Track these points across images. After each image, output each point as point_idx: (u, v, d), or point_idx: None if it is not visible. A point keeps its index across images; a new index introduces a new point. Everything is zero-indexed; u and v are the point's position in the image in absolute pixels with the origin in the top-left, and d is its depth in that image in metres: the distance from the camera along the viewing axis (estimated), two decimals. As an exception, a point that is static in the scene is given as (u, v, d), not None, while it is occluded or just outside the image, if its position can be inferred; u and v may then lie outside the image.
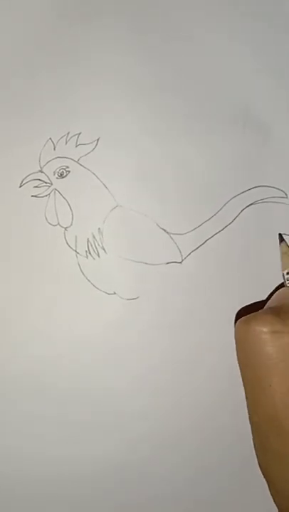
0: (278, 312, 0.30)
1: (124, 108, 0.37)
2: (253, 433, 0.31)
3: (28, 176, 0.36)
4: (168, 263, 0.36)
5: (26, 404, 0.35)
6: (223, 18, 0.38)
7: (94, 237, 0.36)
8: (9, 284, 0.36)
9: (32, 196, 0.36)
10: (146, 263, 0.36)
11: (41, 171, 0.36)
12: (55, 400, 0.35)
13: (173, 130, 0.37)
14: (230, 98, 0.37)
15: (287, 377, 0.28)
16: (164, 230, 0.36)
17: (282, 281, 0.35)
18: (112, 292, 0.35)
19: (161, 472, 0.35)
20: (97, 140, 0.36)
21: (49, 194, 0.36)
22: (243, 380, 0.30)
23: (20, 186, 0.36)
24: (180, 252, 0.36)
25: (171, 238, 0.36)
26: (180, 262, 0.36)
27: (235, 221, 0.36)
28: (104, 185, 0.36)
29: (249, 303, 0.36)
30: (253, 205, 0.36)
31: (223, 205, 0.36)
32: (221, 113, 0.37)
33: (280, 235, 0.35)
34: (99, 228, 0.36)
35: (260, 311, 0.31)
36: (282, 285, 0.35)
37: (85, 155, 0.36)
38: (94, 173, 0.36)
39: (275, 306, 0.32)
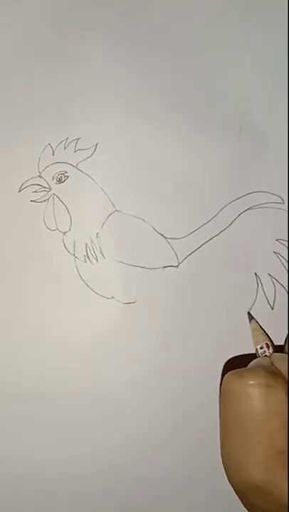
0: (269, 369, 0.30)
1: (123, 114, 0.37)
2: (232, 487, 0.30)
3: (27, 180, 0.36)
4: (165, 267, 0.36)
5: (25, 406, 0.36)
6: (221, 27, 0.38)
7: (92, 241, 0.36)
8: (8, 288, 0.36)
9: (31, 201, 0.36)
10: (143, 267, 0.36)
11: (40, 176, 0.36)
12: (53, 402, 0.35)
13: (171, 136, 0.37)
14: (227, 105, 0.38)
15: (277, 434, 0.28)
16: (161, 235, 0.36)
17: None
18: (110, 296, 0.36)
19: (161, 472, 0.35)
20: (96, 145, 0.37)
21: (48, 199, 0.36)
22: (224, 436, 0.30)
23: (20, 191, 0.36)
24: (176, 256, 0.36)
25: (168, 242, 0.36)
26: (176, 266, 0.36)
27: (231, 226, 0.36)
28: (103, 190, 0.36)
29: (247, 307, 0.36)
30: (249, 210, 0.36)
31: (220, 210, 0.36)
32: (218, 119, 0.37)
33: (248, 313, 0.36)
34: (97, 233, 0.36)
35: (250, 367, 0.31)
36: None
37: (84, 160, 0.37)
38: (92, 178, 0.37)
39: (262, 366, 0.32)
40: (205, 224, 0.36)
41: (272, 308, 0.36)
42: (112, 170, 0.37)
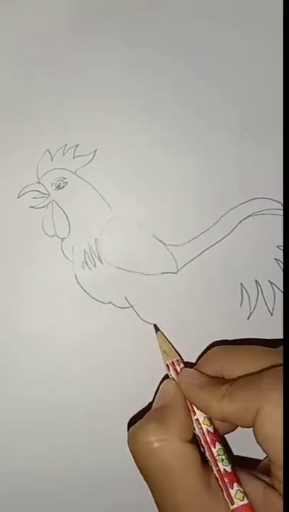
0: (161, 416, 0.30)
1: (122, 120, 0.37)
2: None
3: (26, 187, 0.36)
4: (163, 273, 0.36)
5: (24, 411, 0.36)
6: (222, 30, 0.38)
7: (90, 247, 0.36)
8: (6, 294, 0.36)
9: (30, 207, 0.36)
10: (141, 273, 0.36)
11: (39, 182, 0.36)
12: (51, 409, 0.36)
13: (170, 141, 0.37)
14: (228, 112, 0.37)
15: (188, 483, 0.28)
16: (161, 241, 0.36)
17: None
18: (108, 301, 0.36)
19: None
20: (95, 152, 0.37)
21: (46, 205, 0.36)
22: (148, 487, 0.30)
23: (19, 197, 0.37)
24: (176, 262, 0.36)
25: (168, 249, 0.36)
26: (175, 273, 0.36)
27: (232, 233, 0.36)
28: (102, 197, 0.36)
29: (246, 314, 0.36)
30: (250, 217, 0.36)
31: (220, 216, 0.36)
32: (218, 124, 0.37)
33: (154, 325, 0.35)
34: (96, 239, 0.36)
35: (146, 415, 0.30)
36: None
37: (83, 166, 0.37)
38: (91, 185, 0.36)
39: (158, 406, 0.31)
40: (205, 231, 0.36)
41: (271, 315, 0.36)
42: (110, 176, 0.37)
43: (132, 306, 0.36)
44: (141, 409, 0.35)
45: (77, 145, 0.37)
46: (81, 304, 0.36)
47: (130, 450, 0.30)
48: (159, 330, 0.35)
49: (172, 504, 0.28)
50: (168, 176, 0.37)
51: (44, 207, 0.36)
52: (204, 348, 0.35)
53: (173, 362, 0.33)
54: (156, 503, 0.29)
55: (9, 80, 0.38)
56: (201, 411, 0.30)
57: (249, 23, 0.38)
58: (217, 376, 0.31)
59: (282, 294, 0.36)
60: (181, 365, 0.33)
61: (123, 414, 0.35)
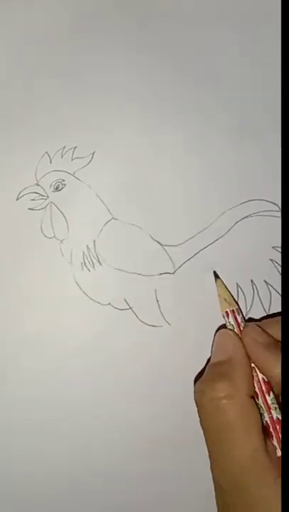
0: (227, 373, 0.30)
1: (120, 122, 0.38)
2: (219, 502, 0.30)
3: (25, 189, 0.37)
4: (161, 274, 0.36)
5: (24, 412, 0.36)
6: (221, 32, 0.38)
7: (89, 249, 0.36)
8: (5, 295, 0.36)
9: (29, 209, 0.37)
10: (139, 274, 0.36)
11: (38, 184, 0.37)
12: (50, 409, 0.36)
13: (168, 143, 0.37)
14: (226, 113, 0.38)
15: (248, 439, 0.29)
16: (158, 242, 0.36)
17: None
18: (107, 303, 0.36)
19: (162, 472, 0.35)
20: (93, 154, 0.37)
21: (45, 207, 0.37)
22: (207, 444, 0.30)
23: (17, 199, 0.37)
24: (173, 263, 0.36)
25: (164, 249, 0.36)
26: (173, 273, 0.36)
27: (228, 233, 0.36)
28: (100, 198, 0.37)
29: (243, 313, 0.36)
30: (246, 218, 0.37)
31: (217, 217, 0.37)
32: (216, 126, 0.38)
33: (214, 272, 0.35)
34: (94, 240, 0.36)
35: (210, 370, 0.31)
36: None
37: (81, 168, 0.37)
38: (89, 187, 0.37)
39: (222, 360, 0.31)
40: (202, 231, 0.37)
41: (267, 314, 0.36)
42: (109, 178, 0.37)
43: (131, 308, 0.36)
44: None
45: (76, 147, 0.37)
46: (80, 305, 0.36)
47: (197, 405, 0.30)
48: (218, 277, 0.35)
49: (229, 460, 0.29)
50: (165, 177, 0.37)
51: (43, 209, 0.37)
52: (203, 346, 0.35)
53: (233, 310, 0.33)
54: (210, 459, 0.30)
55: (8, 82, 0.38)
56: (261, 371, 0.31)
57: (248, 26, 0.38)
58: (280, 340, 0.31)
59: (277, 294, 0.36)
60: (241, 316, 0.33)
61: (123, 414, 0.35)
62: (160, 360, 0.35)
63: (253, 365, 0.31)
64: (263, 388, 0.31)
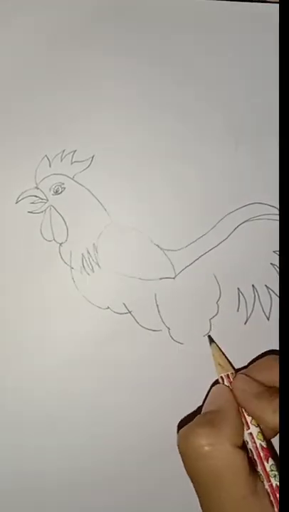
0: (213, 421, 0.30)
1: (119, 126, 0.38)
2: None
3: (25, 192, 0.37)
4: (161, 278, 0.36)
5: (24, 415, 0.36)
6: (219, 39, 0.38)
7: (88, 252, 0.36)
8: (4, 299, 0.36)
9: (28, 212, 0.37)
10: (139, 278, 0.36)
11: (37, 188, 0.37)
12: (49, 412, 0.36)
13: (167, 147, 0.37)
14: (223, 117, 0.38)
15: (235, 487, 0.28)
16: (158, 246, 0.36)
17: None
18: (106, 307, 0.36)
19: (160, 478, 0.35)
20: (92, 157, 0.37)
21: (45, 210, 0.37)
22: (195, 489, 0.30)
23: (17, 202, 0.37)
24: (173, 267, 0.36)
25: (165, 254, 0.36)
26: (173, 278, 0.36)
27: (229, 238, 0.36)
28: (99, 202, 0.37)
29: (244, 318, 0.36)
30: (246, 222, 0.37)
31: (218, 222, 0.37)
32: (213, 130, 0.38)
33: (208, 336, 0.35)
34: (93, 244, 0.36)
35: (197, 418, 0.31)
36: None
37: (80, 172, 0.37)
38: (89, 190, 0.37)
39: (210, 410, 0.32)
40: (202, 236, 0.36)
41: (268, 319, 0.36)
42: (108, 182, 0.37)
43: (130, 312, 0.36)
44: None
45: (75, 151, 0.37)
46: (79, 309, 0.36)
47: (180, 452, 0.30)
48: (213, 341, 0.35)
49: (218, 507, 0.29)
50: (165, 181, 0.37)
51: (42, 212, 0.37)
52: (203, 352, 0.35)
53: (228, 375, 0.33)
54: (201, 505, 0.30)
55: (8, 85, 0.38)
56: (254, 419, 0.31)
57: (247, 34, 0.39)
58: (270, 385, 0.31)
59: (278, 299, 0.36)
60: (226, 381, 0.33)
61: (122, 417, 0.35)
62: (160, 363, 0.35)
63: (249, 430, 0.31)
64: (262, 455, 0.30)
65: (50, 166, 0.37)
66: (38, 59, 0.38)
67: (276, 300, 0.36)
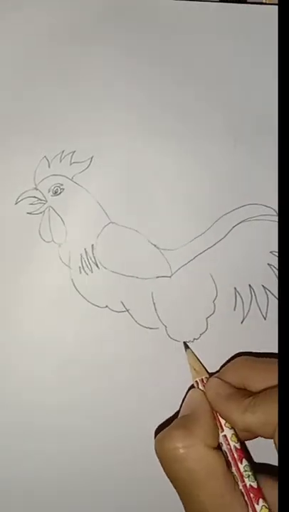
0: (187, 424, 0.31)
1: (118, 127, 0.38)
2: None
3: (24, 193, 0.37)
4: (158, 277, 0.36)
5: (24, 417, 0.36)
6: (218, 39, 0.38)
7: (87, 252, 0.36)
8: (3, 299, 0.36)
9: (27, 213, 0.37)
10: (136, 277, 0.36)
11: (36, 189, 0.37)
12: (49, 413, 0.36)
13: (165, 148, 0.38)
14: (221, 117, 0.38)
15: (212, 486, 0.29)
16: (155, 246, 0.37)
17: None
18: (104, 306, 0.36)
19: (161, 479, 0.34)
20: (91, 158, 0.37)
21: (44, 211, 0.37)
22: (175, 489, 0.31)
23: (16, 203, 0.37)
24: (170, 266, 0.36)
25: (162, 253, 0.36)
26: (169, 277, 0.36)
27: (225, 238, 0.37)
28: (98, 203, 0.37)
29: (240, 318, 0.36)
30: (243, 223, 0.37)
31: (214, 221, 0.37)
32: (212, 131, 0.38)
33: (184, 342, 0.36)
34: (92, 244, 0.36)
35: (173, 422, 0.32)
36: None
37: (80, 173, 0.37)
38: (88, 191, 0.37)
39: (185, 414, 0.32)
40: (199, 236, 0.37)
41: (264, 319, 0.36)
42: (107, 182, 0.37)
43: (127, 310, 0.36)
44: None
45: (74, 151, 0.37)
46: (78, 308, 0.36)
47: (157, 455, 0.31)
48: (188, 348, 0.36)
49: (198, 506, 0.29)
50: (163, 181, 0.37)
51: (41, 213, 0.37)
52: (198, 351, 0.36)
53: (202, 379, 0.34)
54: (183, 506, 0.31)
55: (8, 87, 0.38)
56: (226, 420, 0.32)
57: (246, 35, 0.39)
58: (240, 386, 0.32)
59: (275, 299, 0.36)
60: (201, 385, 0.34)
61: (120, 415, 0.36)
62: (157, 362, 0.36)
63: (223, 433, 0.32)
64: (235, 456, 0.31)
65: (49, 166, 0.37)
66: (37, 59, 0.38)
67: (273, 300, 0.36)
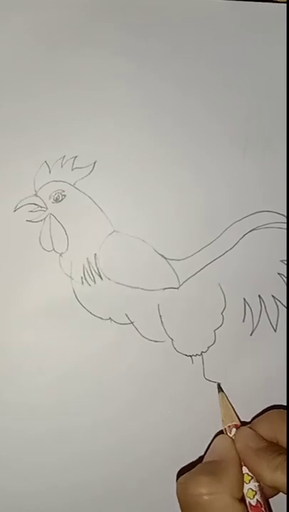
0: (214, 471, 0.30)
1: (122, 132, 0.37)
2: None
3: (23, 199, 0.36)
4: (165, 289, 0.35)
5: (24, 426, 0.35)
6: (223, 43, 0.38)
7: (90, 262, 0.35)
8: (4, 310, 0.35)
9: (27, 221, 0.36)
10: (142, 288, 0.35)
11: (36, 195, 0.36)
12: (50, 425, 0.35)
13: (171, 154, 0.37)
14: (230, 124, 0.37)
15: None
16: (162, 256, 0.36)
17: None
18: (108, 318, 0.35)
19: (165, 493, 0.35)
20: (94, 163, 0.36)
21: (44, 219, 0.36)
22: None
23: (15, 210, 0.36)
24: (177, 277, 0.36)
25: (169, 264, 0.36)
26: (177, 288, 0.35)
27: (235, 247, 0.36)
28: (101, 210, 0.36)
29: (249, 329, 0.36)
30: (254, 231, 0.36)
31: (224, 230, 0.36)
32: (221, 138, 0.37)
33: (218, 385, 0.35)
34: (95, 254, 0.35)
35: (197, 467, 0.31)
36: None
37: (82, 179, 0.36)
38: (90, 198, 0.36)
39: (212, 460, 0.32)
40: (208, 245, 0.36)
41: (275, 331, 0.36)
42: (110, 189, 0.36)
43: (132, 323, 0.35)
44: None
45: (76, 156, 0.36)
46: (80, 320, 0.35)
47: (178, 498, 0.30)
48: (222, 391, 0.35)
49: None
50: (170, 188, 0.36)
51: (41, 221, 0.36)
52: (206, 365, 0.35)
53: (233, 426, 0.33)
54: None
55: (6, 91, 0.37)
56: (253, 474, 0.31)
57: (251, 37, 0.38)
58: (272, 440, 0.32)
59: (285, 309, 0.36)
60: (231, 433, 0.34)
61: (124, 427, 0.35)
62: (163, 374, 0.35)
63: (249, 485, 0.31)
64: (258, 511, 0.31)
65: (49, 172, 0.36)
66: (37, 63, 0.37)
67: (283, 311, 0.36)
